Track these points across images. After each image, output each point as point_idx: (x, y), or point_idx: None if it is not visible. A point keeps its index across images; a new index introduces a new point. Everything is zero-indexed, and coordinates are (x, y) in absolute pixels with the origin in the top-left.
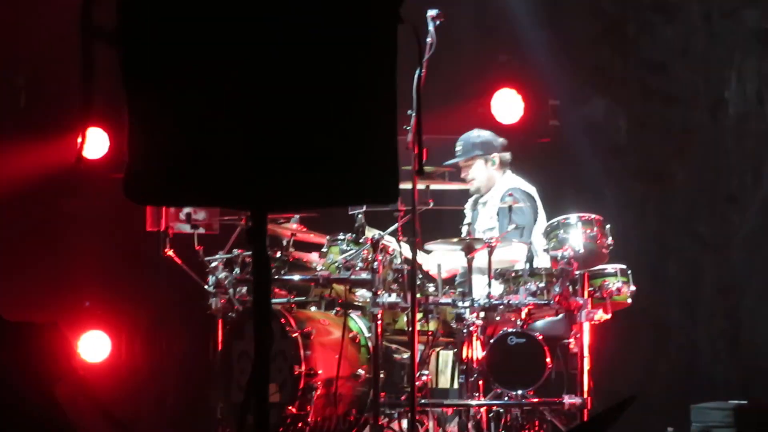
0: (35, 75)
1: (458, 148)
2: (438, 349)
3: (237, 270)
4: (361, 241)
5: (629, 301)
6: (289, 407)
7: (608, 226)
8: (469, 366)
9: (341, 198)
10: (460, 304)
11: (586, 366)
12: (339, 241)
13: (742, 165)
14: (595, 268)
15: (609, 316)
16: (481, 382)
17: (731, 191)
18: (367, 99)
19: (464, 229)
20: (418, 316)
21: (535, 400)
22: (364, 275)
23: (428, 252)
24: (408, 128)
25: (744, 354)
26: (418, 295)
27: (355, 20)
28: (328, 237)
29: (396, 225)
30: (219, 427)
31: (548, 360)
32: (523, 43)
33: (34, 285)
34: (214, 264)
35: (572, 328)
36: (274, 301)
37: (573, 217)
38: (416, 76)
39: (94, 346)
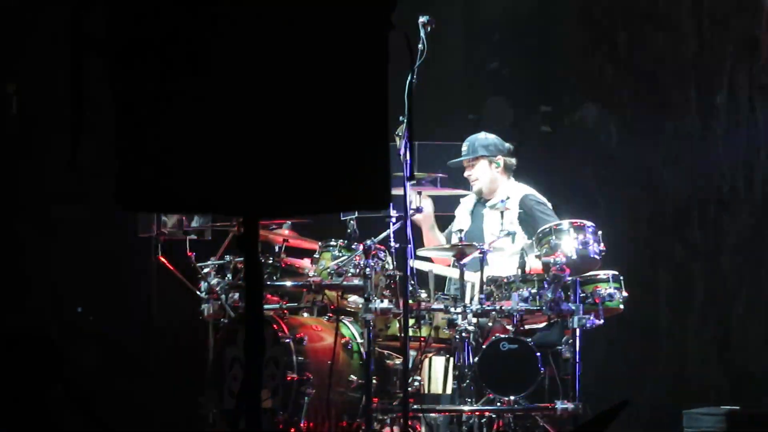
0: (26, 82)
1: (464, 147)
2: (430, 354)
3: (229, 276)
4: (353, 246)
5: (621, 307)
6: (281, 413)
7: (600, 233)
8: (462, 372)
9: (333, 204)
10: (452, 310)
11: (579, 371)
12: (331, 247)
13: (734, 172)
14: (588, 274)
15: (601, 321)
16: (473, 388)
17: (723, 198)
18: (358, 105)
19: (455, 236)
20: (411, 322)
21: (528, 406)
22: (357, 281)
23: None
24: (399, 134)
25: (735, 360)
26: (410, 301)
27: (346, 27)
28: (320, 243)
29: (388, 231)
30: None
31: (540, 366)
32: (514, 49)
33: (24, 292)
34: (206, 270)
35: (564, 334)
36: (266, 307)
37: (565, 224)
38: (408, 82)
39: (85, 353)
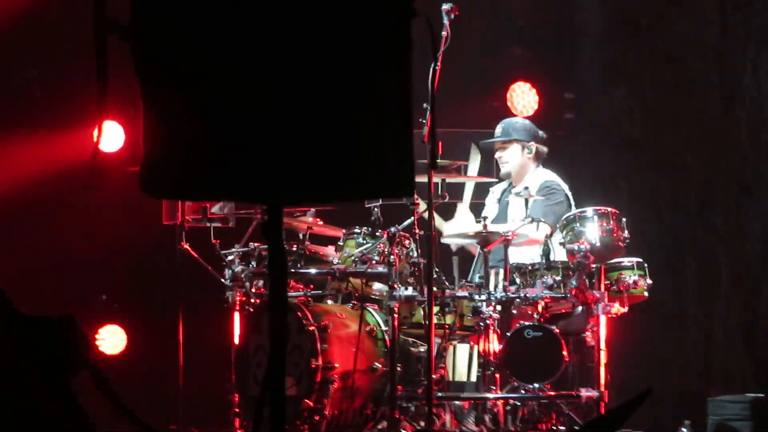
0: (49, 68)
1: (498, 129)
2: (455, 342)
3: (253, 263)
4: (377, 234)
5: (646, 294)
6: (306, 401)
7: (624, 220)
8: (486, 359)
9: (357, 191)
10: (476, 297)
11: (603, 359)
12: (355, 235)
13: (757, 156)
14: (612, 261)
15: (626, 309)
16: (497, 376)
17: (746, 183)
18: (382, 93)
19: (480, 223)
20: (435, 309)
21: (552, 393)
22: (381, 269)
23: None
24: (423, 121)
25: (760, 347)
26: (434, 289)
27: (370, 14)
28: (344, 230)
29: (411, 219)
30: (235, 420)
31: (565, 353)
32: (538, 36)
33: (50, 279)
34: (230, 257)
35: (589, 321)
36: (290, 294)
37: (589, 211)
38: (431, 69)
39: (110, 340)
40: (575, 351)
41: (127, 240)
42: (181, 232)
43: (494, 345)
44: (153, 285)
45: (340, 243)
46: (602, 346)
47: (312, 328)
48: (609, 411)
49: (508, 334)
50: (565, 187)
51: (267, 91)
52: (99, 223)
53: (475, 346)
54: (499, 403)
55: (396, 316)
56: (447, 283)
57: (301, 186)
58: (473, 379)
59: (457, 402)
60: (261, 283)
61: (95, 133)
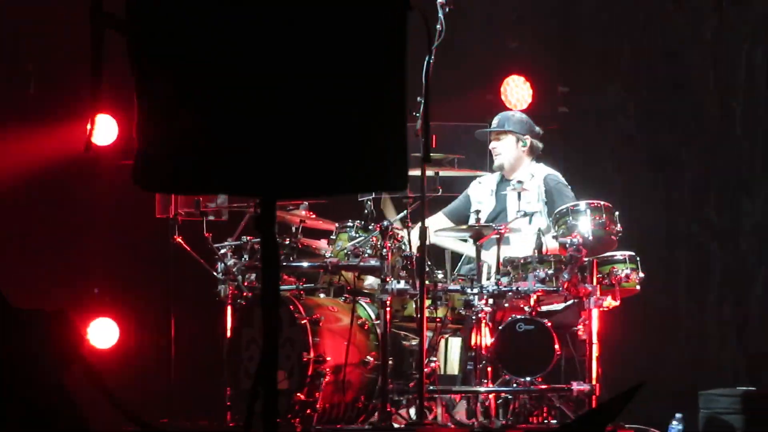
0: (44, 62)
1: (495, 121)
2: (446, 335)
3: (246, 257)
4: (370, 227)
5: (638, 287)
6: (298, 394)
7: (617, 213)
8: (478, 353)
9: (350, 185)
10: (468, 290)
11: (595, 353)
12: (348, 228)
13: (752, 152)
14: (604, 255)
15: (618, 302)
16: (489, 369)
17: (741, 178)
18: (376, 85)
19: (472, 217)
20: (427, 302)
21: (544, 386)
22: (373, 262)
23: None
24: (417, 115)
25: (752, 341)
26: (426, 282)
27: (364, 7)
28: (337, 224)
29: (405, 212)
30: (227, 413)
31: (557, 347)
32: (533, 30)
33: (42, 272)
34: (223, 251)
35: (581, 314)
36: (282, 287)
37: (582, 204)
38: (425, 62)
39: (102, 333)
40: (567, 344)
41: (120, 233)
42: (173, 225)
43: (486, 338)
44: (145, 278)
45: (333, 236)
46: (594, 339)
47: (304, 321)
48: (601, 404)
49: (500, 327)
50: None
51: (260, 86)
52: (91, 217)
53: (467, 340)
54: (491, 396)
55: (388, 309)
56: (439, 276)
57: (295, 179)
58: (465, 372)
59: (448, 395)
60: (253, 276)
61: (88, 126)
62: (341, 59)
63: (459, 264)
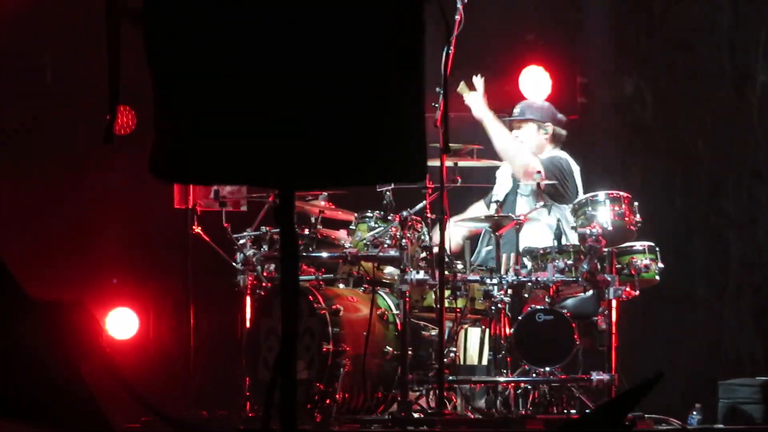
0: (61, 52)
1: (516, 109)
2: (466, 326)
3: (265, 247)
4: (389, 218)
5: (657, 278)
6: (317, 384)
7: (636, 204)
8: (497, 343)
9: (369, 175)
10: (488, 281)
11: (614, 343)
12: (367, 219)
13: None
14: (623, 245)
15: (637, 293)
16: (508, 359)
17: (757, 168)
18: (395, 76)
19: (493, 206)
20: (446, 293)
21: (563, 377)
22: (393, 252)
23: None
24: (436, 105)
25: None
26: (446, 273)
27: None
28: (356, 214)
29: (424, 203)
30: (246, 404)
31: (576, 337)
32: (551, 21)
33: (60, 263)
34: (242, 241)
35: (600, 305)
36: (301, 278)
37: (601, 195)
38: (444, 53)
39: (121, 324)
40: (586, 335)
41: (139, 223)
42: (192, 215)
43: (505, 329)
44: (164, 269)
45: (352, 227)
46: (613, 329)
47: (323, 311)
48: (620, 394)
49: (519, 317)
50: (576, 168)
51: (279, 75)
52: (110, 207)
53: (486, 330)
54: (510, 386)
55: (407, 299)
56: (458, 267)
57: (314, 170)
58: (484, 362)
59: (467, 385)
60: (272, 266)
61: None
62: (358, 50)
63: (478, 246)
